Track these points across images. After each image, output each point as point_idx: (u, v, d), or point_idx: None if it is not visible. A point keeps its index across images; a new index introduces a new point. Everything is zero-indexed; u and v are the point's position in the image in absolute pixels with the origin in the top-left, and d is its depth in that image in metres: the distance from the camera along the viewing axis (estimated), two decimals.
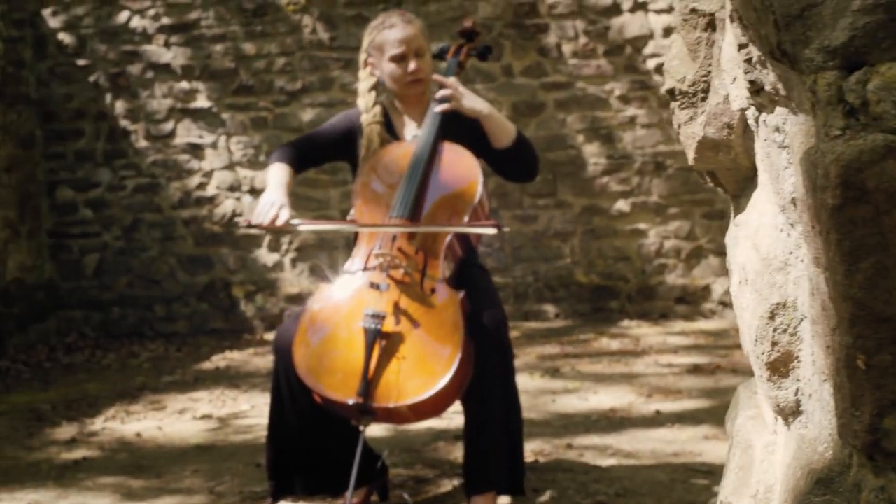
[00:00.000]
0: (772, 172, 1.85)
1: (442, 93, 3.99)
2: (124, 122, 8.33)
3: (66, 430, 5.59)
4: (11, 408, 6.23)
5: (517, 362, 4.02)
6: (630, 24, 7.77)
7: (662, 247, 7.83)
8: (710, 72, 2.10)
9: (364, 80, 4.10)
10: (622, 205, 7.85)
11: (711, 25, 2.08)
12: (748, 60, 1.79)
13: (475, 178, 3.90)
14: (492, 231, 3.79)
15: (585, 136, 7.88)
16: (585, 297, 7.91)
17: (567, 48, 7.85)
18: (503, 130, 3.96)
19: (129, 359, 7.57)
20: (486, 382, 3.75)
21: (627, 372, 6.20)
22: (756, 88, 1.80)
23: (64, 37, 8.34)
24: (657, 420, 5.12)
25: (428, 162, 3.91)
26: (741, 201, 2.17)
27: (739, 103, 1.97)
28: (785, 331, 1.86)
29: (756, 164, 2.03)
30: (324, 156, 4.19)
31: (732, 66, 1.94)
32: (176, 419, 5.73)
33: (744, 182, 2.17)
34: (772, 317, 1.87)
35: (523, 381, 5.55)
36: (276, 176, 3.93)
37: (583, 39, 7.83)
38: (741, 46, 1.79)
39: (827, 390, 1.67)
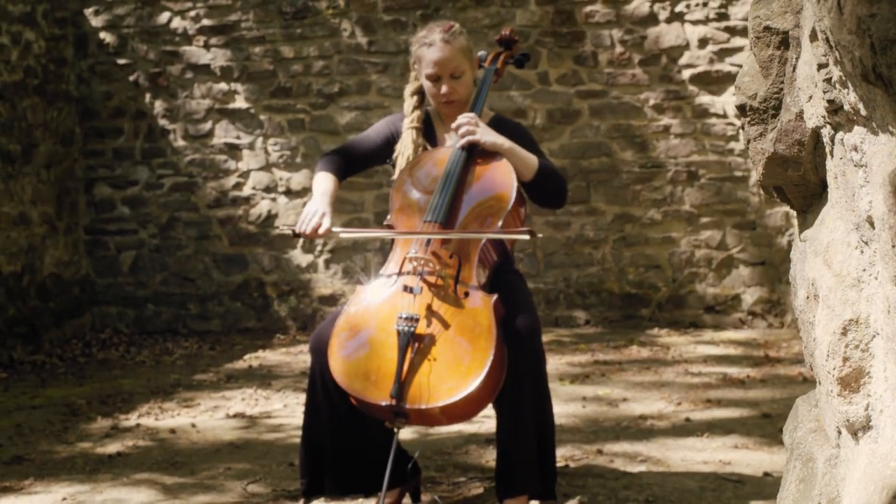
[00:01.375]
0: (846, 190, 1.87)
1: (462, 129, 4.00)
2: (163, 122, 8.43)
3: (100, 426, 5.66)
4: (47, 401, 6.31)
5: (547, 367, 4.06)
6: (666, 34, 7.80)
7: (693, 256, 7.85)
8: (781, 89, 2.12)
9: (409, 84, 4.19)
10: (654, 213, 7.88)
11: (785, 43, 2.11)
12: (828, 80, 1.81)
13: (510, 184, 3.94)
14: (525, 237, 3.85)
15: (619, 145, 7.91)
16: (616, 304, 7.94)
17: (603, 57, 7.89)
18: (524, 165, 3.98)
19: (162, 356, 7.65)
20: (518, 387, 3.78)
21: (657, 380, 6.22)
22: (834, 108, 1.82)
23: (105, 36, 8.44)
24: (687, 428, 5.14)
25: (463, 168, 3.96)
26: (808, 217, 2.19)
27: (815, 121, 2.00)
28: (857, 346, 1.89)
29: (827, 180, 2.06)
30: (367, 162, 4.25)
31: (809, 85, 1.97)
32: (209, 417, 5.79)
33: (811, 198, 2.19)
34: (844, 332, 1.90)
35: (554, 387, 5.58)
36: (321, 185, 4.00)
37: (619, 48, 7.86)
38: (821, 66, 1.81)
39: None
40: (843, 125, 1.84)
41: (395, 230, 3.98)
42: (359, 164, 4.22)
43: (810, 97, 1.97)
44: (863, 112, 1.69)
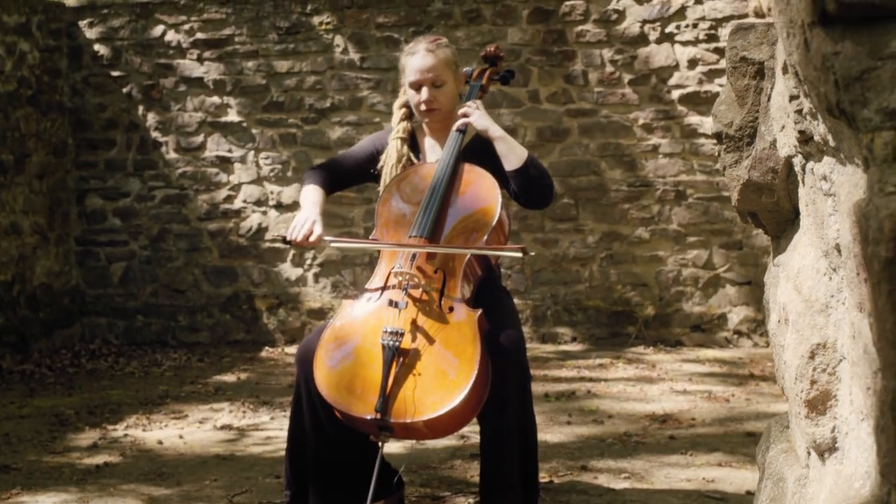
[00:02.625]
0: (816, 218, 1.92)
1: (461, 113, 4.13)
2: (155, 134, 8.47)
3: (88, 436, 5.69)
4: (35, 411, 6.34)
5: (533, 384, 4.09)
6: (656, 54, 7.86)
7: (680, 274, 7.91)
8: (756, 118, 2.18)
9: (398, 98, 4.26)
10: (642, 232, 7.93)
11: (760, 74, 2.17)
12: (799, 111, 1.87)
13: (494, 199, 3.98)
14: (517, 254, 3.89)
15: (608, 163, 7.97)
16: (603, 321, 7.99)
17: (593, 76, 7.95)
18: (514, 153, 4.04)
19: (151, 367, 7.68)
20: (502, 402, 3.82)
21: (642, 397, 6.27)
22: (805, 138, 1.87)
23: (99, 48, 8.48)
24: (671, 446, 5.19)
25: (449, 182, 4.01)
26: (781, 242, 2.25)
27: (787, 150, 2.05)
28: (824, 370, 1.94)
29: (799, 208, 2.11)
30: (352, 178, 4.32)
31: (781, 115, 2.03)
32: (197, 428, 5.82)
33: (784, 224, 2.25)
34: (812, 356, 1.95)
35: (539, 403, 5.63)
36: (310, 196, 4.07)
37: (609, 68, 7.93)
38: (792, 97, 1.87)
39: (864, 429, 1.73)
40: (814, 155, 1.89)
41: (383, 241, 4.02)
42: (344, 179, 4.29)
43: (783, 127, 2.03)
44: (831, 143, 1.74)
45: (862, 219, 1.54)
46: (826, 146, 1.79)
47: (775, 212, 2.25)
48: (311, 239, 3.92)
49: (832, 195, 1.82)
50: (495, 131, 4.07)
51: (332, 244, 4.12)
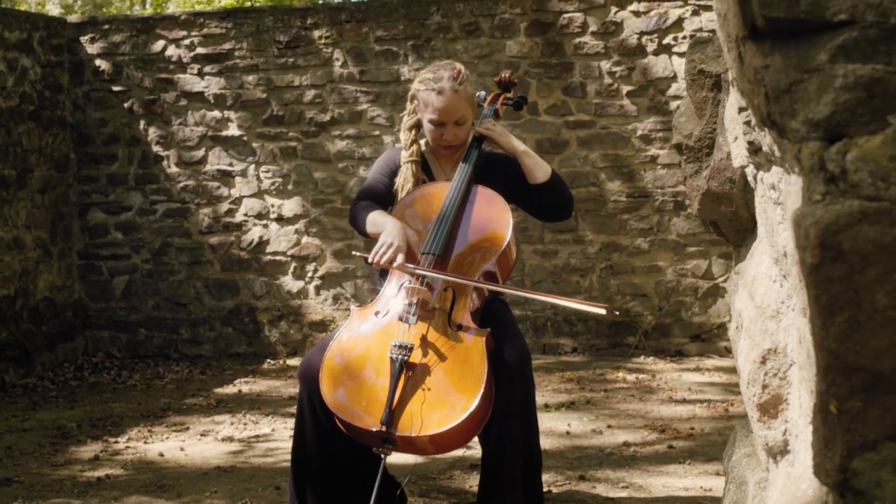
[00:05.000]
0: (768, 226, 1.97)
1: (480, 129, 4.16)
2: (157, 148, 8.52)
3: (90, 449, 5.72)
4: (37, 424, 6.37)
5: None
6: (654, 65, 7.91)
7: (680, 285, 7.94)
8: (714, 129, 2.23)
9: (408, 117, 4.25)
10: (641, 242, 7.97)
11: (718, 86, 2.21)
12: (748, 122, 1.91)
13: (506, 222, 4.02)
14: (601, 312, 3.80)
15: (607, 174, 8.01)
16: (603, 332, 8.02)
17: (591, 87, 8.00)
18: (540, 167, 4.10)
19: (153, 380, 7.71)
20: (507, 416, 3.84)
21: (642, 407, 6.29)
22: (754, 148, 1.92)
23: (101, 63, 8.54)
24: (669, 455, 5.21)
25: (461, 203, 4.04)
26: (741, 251, 2.29)
27: (740, 161, 2.10)
28: (775, 375, 1.98)
29: (756, 217, 2.15)
30: (390, 200, 4.26)
31: (734, 126, 2.07)
32: (198, 440, 5.85)
33: (744, 233, 2.29)
34: (763, 361, 1.99)
35: (539, 413, 5.64)
36: (390, 219, 4.00)
37: (607, 80, 7.97)
38: (741, 109, 1.91)
39: (811, 431, 1.78)
40: (763, 165, 1.94)
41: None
42: (386, 203, 4.22)
43: (735, 138, 2.07)
44: (777, 153, 1.79)
45: (796, 227, 1.60)
46: (773, 156, 1.84)
47: (734, 221, 2.30)
48: (394, 266, 3.92)
49: (780, 204, 1.87)
50: (519, 146, 4.13)
51: (416, 272, 4.02)
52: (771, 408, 2.00)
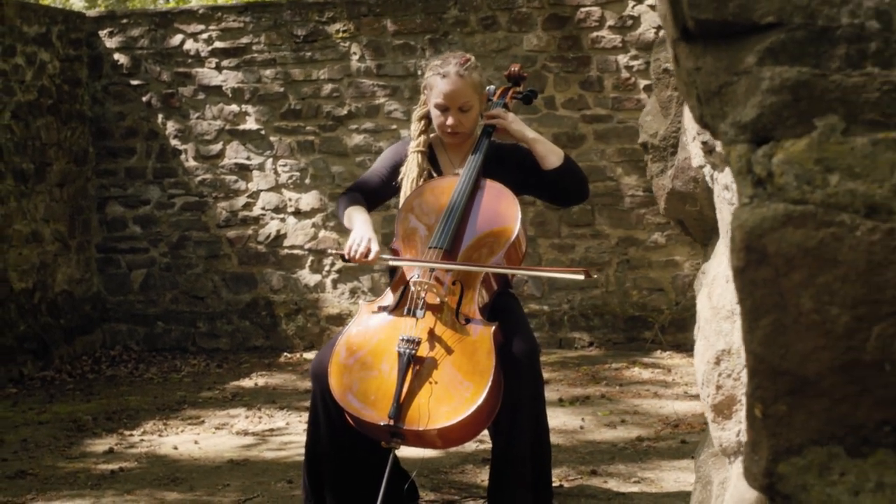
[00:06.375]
0: (723, 226, 1.96)
1: (491, 117, 4.15)
2: (174, 142, 8.54)
3: (105, 442, 5.75)
4: (53, 417, 6.41)
5: (548, 388, 4.11)
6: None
7: (696, 279, 7.90)
8: (679, 128, 2.22)
9: (418, 108, 4.27)
10: (658, 237, 7.94)
11: None
12: None
13: (514, 216, 4.00)
14: (579, 277, 3.85)
15: (623, 169, 7.99)
16: (619, 326, 8.00)
17: (608, 81, 7.97)
18: (553, 152, 4.11)
19: (170, 373, 7.74)
20: (516, 410, 3.84)
21: (657, 401, 6.28)
22: (708, 149, 1.91)
23: (119, 57, 8.57)
24: (682, 450, 5.20)
25: (469, 196, 4.04)
26: (707, 250, 2.29)
27: (697, 161, 2.09)
28: (729, 375, 1.98)
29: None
30: (383, 195, 4.30)
31: (692, 126, 2.06)
32: (213, 434, 5.87)
33: (709, 232, 2.29)
34: (717, 362, 1.99)
35: (553, 408, 5.64)
36: (358, 215, 4.05)
37: (624, 73, 7.95)
38: None
39: None
40: (717, 165, 1.93)
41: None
42: (377, 198, 4.27)
43: (693, 137, 2.07)
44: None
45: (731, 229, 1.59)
46: (727, 157, 1.84)
47: (700, 220, 2.29)
48: (370, 258, 3.93)
49: (733, 204, 1.86)
50: (530, 134, 4.13)
51: (391, 262, 4.09)
52: (725, 409, 2.00)
